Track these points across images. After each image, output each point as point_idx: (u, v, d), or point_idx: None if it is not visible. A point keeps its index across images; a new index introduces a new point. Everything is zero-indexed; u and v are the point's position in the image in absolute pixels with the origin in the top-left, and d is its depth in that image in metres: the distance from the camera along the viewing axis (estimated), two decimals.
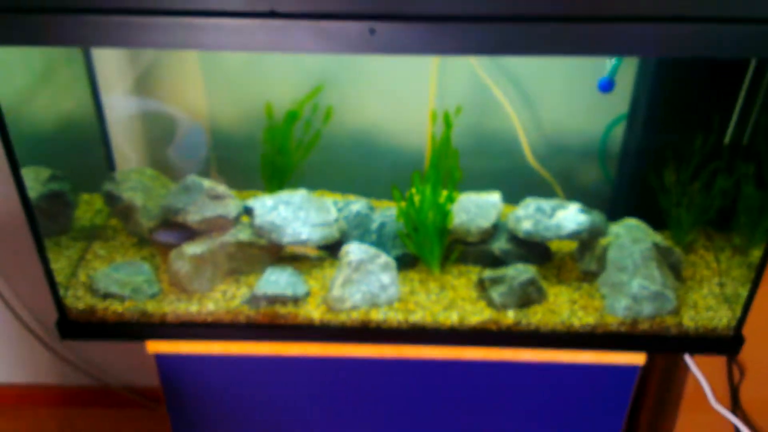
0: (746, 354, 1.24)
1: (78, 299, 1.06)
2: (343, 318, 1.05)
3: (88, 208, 1.22)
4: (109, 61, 1.18)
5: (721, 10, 0.74)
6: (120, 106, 1.23)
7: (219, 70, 1.22)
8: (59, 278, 1.06)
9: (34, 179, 1.07)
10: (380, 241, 1.12)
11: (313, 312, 1.05)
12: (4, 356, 1.77)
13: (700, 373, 1.25)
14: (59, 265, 1.09)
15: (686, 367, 1.25)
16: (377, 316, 1.05)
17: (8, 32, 0.78)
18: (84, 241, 1.16)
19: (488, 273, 1.07)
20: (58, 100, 1.17)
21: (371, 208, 1.16)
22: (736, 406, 1.29)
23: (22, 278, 1.60)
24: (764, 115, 1.04)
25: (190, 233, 1.07)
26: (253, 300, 1.05)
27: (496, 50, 0.82)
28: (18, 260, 1.56)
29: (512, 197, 1.17)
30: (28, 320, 1.67)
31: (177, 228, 1.07)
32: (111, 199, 1.13)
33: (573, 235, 1.05)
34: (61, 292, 1.06)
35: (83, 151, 1.24)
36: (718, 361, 1.25)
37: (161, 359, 1.13)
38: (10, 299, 1.63)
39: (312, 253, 1.14)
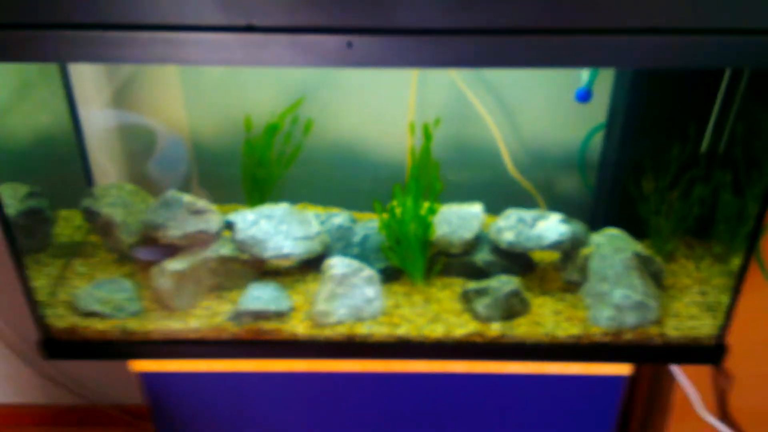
0: (733, 362, 1.24)
1: (60, 318, 1.06)
2: (327, 333, 1.05)
3: (67, 225, 1.21)
4: (87, 75, 1.17)
5: (698, 21, 0.75)
6: (98, 120, 1.22)
7: (198, 82, 1.22)
8: (40, 296, 1.05)
9: (12, 196, 1.07)
10: (363, 254, 1.12)
11: (298, 327, 1.05)
12: None
13: (688, 381, 1.25)
14: (39, 283, 1.08)
15: (673, 377, 1.26)
16: (362, 330, 1.05)
17: None
18: (64, 258, 1.15)
19: (472, 285, 1.07)
20: (34, 116, 1.16)
21: (353, 221, 1.16)
22: (724, 414, 1.30)
23: (2, 296, 1.59)
24: (739, 123, 1.06)
25: (169, 250, 1.07)
26: (237, 316, 1.04)
27: (474, 63, 0.82)
28: None
29: (494, 208, 1.17)
30: (10, 339, 1.65)
31: (156, 244, 1.06)
32: (90, 215, 1.12)
33: (555, 246, 1.06)
34: (43, 310, 1.05)
35: (61, 167, 1.23)
36: (706, 370, 1.25)
37: (146, 377, 1.12)
38: None
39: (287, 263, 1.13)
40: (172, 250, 1.07)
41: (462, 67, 1.12)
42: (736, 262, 1.00)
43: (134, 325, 1.05)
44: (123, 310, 1.05)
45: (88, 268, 1.14)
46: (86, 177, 1.23)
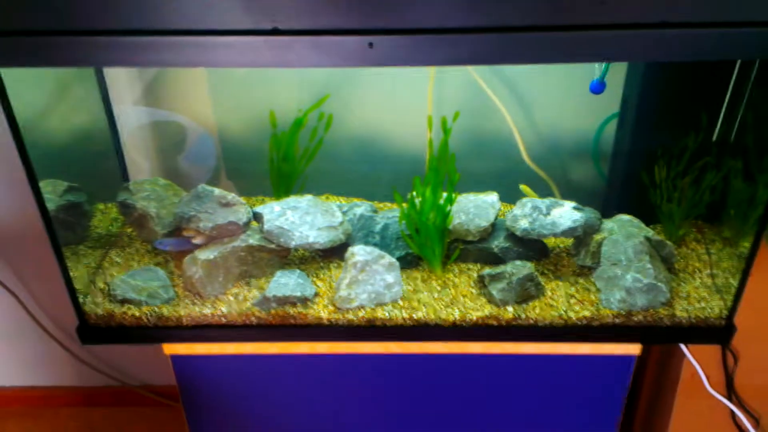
0: (740, 342, 1.27)
1: (97, 305, 1.11)
2: (350, 317, 1.09)
3: (104, 218, 1.26)
4: (120, 75, 1.22)
5: (706, 15, 0.77)
6: (132, 119, 1.26)
7: (226, 80, 1.25)
8: (78, 285, 1.10)
9: (52, 191, 1.12)
10: (384, 243, 1.16)
11: (322, 312, 1.09)
12: (25, 360, 1.82)
13: (696, 361, 1.28)
14: (78, 273, 1.13)
15: (682, 355, 1.29)
16: (382, 314, 1.09)
17: (22, 54, 0.81)
18: (101, 250, 1.20)
19: (488, 270, 1.11)
20: (72, 115, 1.20)
21: (375, 211, 1.20)
22: (731, 392, 1.33)
23: (42, 286, 1.65)
24: (750, 112, 1.08)
25: (187, 241, 1.11)
26: (264, 302, 1.09)
27: (490, 60, 0.85)
28: (38, 269, 1.61)
29: (510, 197, 1.20)
30: (48, 326, 1.71)
31: (185, 235, 1.11)
32: (125, 209, 1.17)
33: (568, 232, 1.09)
34: (80, 298, 1.10)
35: (98, 163, 1.28)
36: (714, 349, 1.28)
37: (177, 360, 1.17)
38: (30, 306, 1.68)
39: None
40: (188, 241, 1.11)
41: (478, 64, 1.15)
42: (745, 245, 1.03)
43: (167, 311, 1.10)
44: (157, 297, 1.10)
45: (123, 258, 1.19)
46: (122, 172, 1.28)
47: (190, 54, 0.81)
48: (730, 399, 1.33)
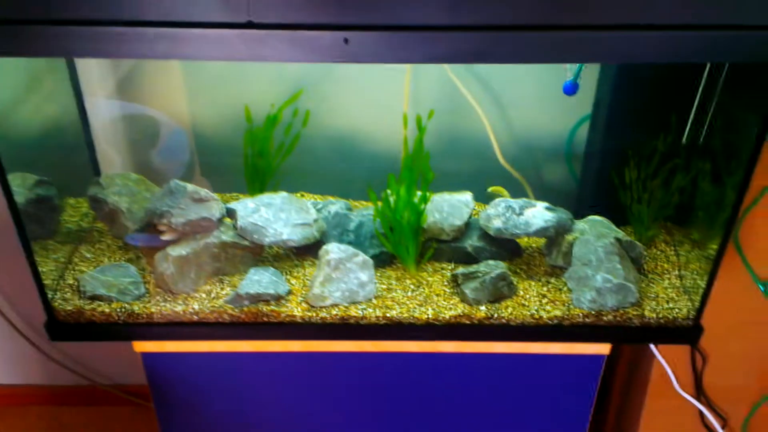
0: (708, 343, 1.30)
1: (66, 301, 1.09)
2: (323, 315, 1.09)
3: (74, 212, 1.25)
4: (93, 67, 1.20)
5: (679, 18, 0.78)
6: (104, 112, 1.25)
7: (200, 74, 1.25)
8: (47, 281, 1.08)
9: (21, 185, 1.10)
10: (358, 241, 1.16)
11: (295, 310, 1.09)
12: None
13: (665, 361, 1.30)
14: (47, 268, 1.11)
15: (652, 356, 1.31)
16: (356, 312, 1.09)
17: None
18: (70, 245, 1.19)
19: (461, 269, 1.11)
20: (43, 106, 1.19)
21: (349, 209, 1.20)
22: (699, 392, 1.35)
23: (11, 281, 1.62)
24: (719, 115, 1.10)
25: (157, 237, 1.10)
26: (237, 299, 1.08)
27: (466, 59, 0.85)
28: (6, 263, 1.58)
29: (484, 196, 1.21)
30: (16, 322, 1.68)
31: (151, 231, 1.10)
32: (96, 203, 1.16)
33: (540, 232, 1.10)
34: (49, 294, 1.09)
35: (69, 157, 1.26)
36: (683, 350, 1.31)
37: (148, 358, 1.16)
38: None
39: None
40: (174, 236, 1.10)
41: (454, 63, 1.15)
42: (713, 247, 1.05)
43: (138, 307, 1.09)
44: (127, 293, 1.09)
45: (94, 253, 1.18)
46: (93, 166, 1.27)
47: (164, 46, 0.80)
48: (698, 399, 1.35)
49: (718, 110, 1.10)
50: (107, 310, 1.08)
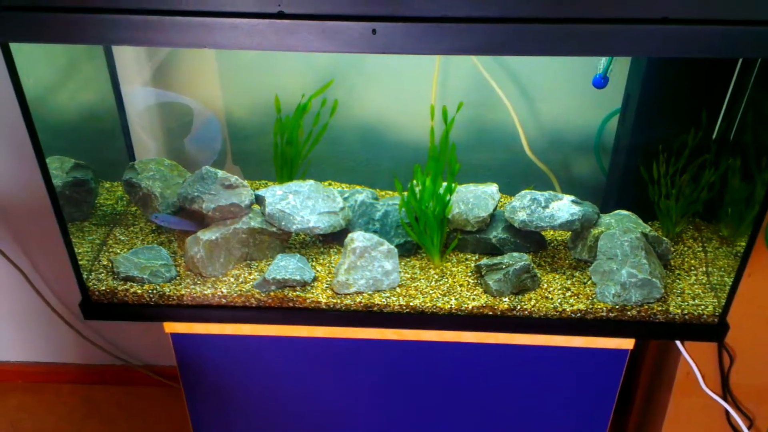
0: (736, 340, 1.28)
1: (100, 282, 1.13)
2: (347, 302, 1.11)
3: (110, 196, 1.28)
4: (129, 55, 1.23)
5: (709, 12, 0.77)
6: (139, 99, 1.28)
7: (233, 63, 1.27)
8: (82, 262, 1.12)
9: (59, 168, 1.14)
10: (383, 230, 1.17)
11: (320, 296, 1.11)
12: (29, 336, 1.85)
13: (691, 359, 1.29)
14: (82, 250, 1.15)
15: (678, 354, 1.30)
16: (380, 300, 1.10)
17: (32, 30, 0.83)
18: (105, 227, 1.22)
19: (485, 260, 1.12)
20: (81, 93, 1.22)
21: (375, 198, 1.21)
22: (726, 391, 1.33)
23: (47, 262, 1.68)
24: (750, 111, 1.08)
25: (181, 220, 1.12)
26: (264, 284, 1.11)
27: (494, 51, 0.85)
28: (43, 245, 1.63)
29: (510, 188, 1.21)
30: (52, 302, 1.73)
31: (181, 214, 1.12)
32: (131, 187, 1.19)
33: (566, 225, 1.10)
34: (84, 275, 1.12)
35: (105, 141, 1.30)
36: (710, 348, 1.29)
37: (177, 339, 1.19)
38: (35, 281, 1.70)
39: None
40: (202, 220, 1.13)
41: (481, 54, 1.15)
42: (741, 244, 1.04)
43: (169, 289, 1.12)
44: (159, 275, 1.12)
45: (127, 236, 1.21)
46: (128, 151, 1.30)
47: (196, 34, 0.82)
48: (725, 398, 1.34)
49: (750, 105, 1.08)
50: (139, 292, 1.11)
